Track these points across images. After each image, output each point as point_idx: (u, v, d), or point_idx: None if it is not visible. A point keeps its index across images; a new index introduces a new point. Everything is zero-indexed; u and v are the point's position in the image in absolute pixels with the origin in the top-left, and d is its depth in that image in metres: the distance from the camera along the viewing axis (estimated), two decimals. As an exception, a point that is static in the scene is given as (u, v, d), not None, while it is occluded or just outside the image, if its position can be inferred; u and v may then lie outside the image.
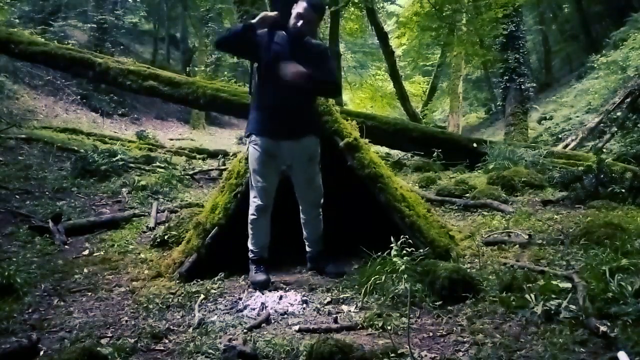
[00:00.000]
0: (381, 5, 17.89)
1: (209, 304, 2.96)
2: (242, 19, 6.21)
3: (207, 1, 18.01)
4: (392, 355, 2.07)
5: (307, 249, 3.56)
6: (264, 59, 3.22)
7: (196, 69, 18.92)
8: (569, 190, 5.04)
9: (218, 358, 2.18)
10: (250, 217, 3.33)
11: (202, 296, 3.05)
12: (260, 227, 3.33)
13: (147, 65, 9.02)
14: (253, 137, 3.29)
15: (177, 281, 3.33)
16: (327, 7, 12.77)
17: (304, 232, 3.52)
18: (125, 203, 5.42)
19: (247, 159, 3.40)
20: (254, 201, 3.30)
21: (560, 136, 13.08)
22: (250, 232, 3.37)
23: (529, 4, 17.53)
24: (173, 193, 5.93)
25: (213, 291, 3.15)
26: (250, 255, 3.37)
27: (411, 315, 2.54)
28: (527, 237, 3.66)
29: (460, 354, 2.15)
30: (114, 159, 6.61)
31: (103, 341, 2.43)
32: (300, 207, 3.45)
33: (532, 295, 2.51)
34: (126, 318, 2.76)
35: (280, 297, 2.97)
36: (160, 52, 21.81)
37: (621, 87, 11.29)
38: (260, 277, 3.25)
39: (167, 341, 2.43)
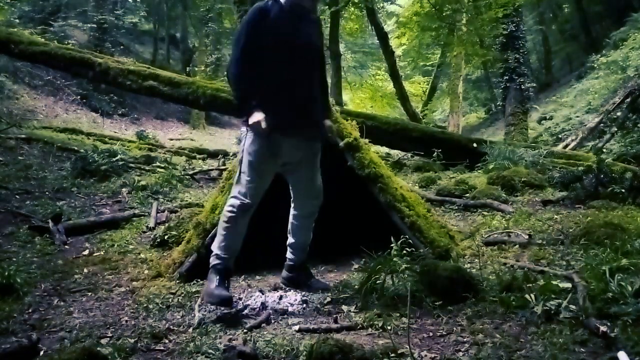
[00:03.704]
0: (381, 5, 17.89)
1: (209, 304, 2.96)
2: (242, 19, 6.22)
3: (207, 1, 18.00)
4: (392, 355, 2.06)
5: (290, 256, 3.19)
6: (274, 44, 2.88)
7: (196, 69, 18.90)
8: (569, 190, 5.04)
9: (218, 358, 2.18)
10: (228, 215, 2.89)
11: (202, 296, 3.04)
12: (237, 228, 2.90)
13: (147, 65, 9.03)
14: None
15: (177, 281, 3.33)
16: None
17: (292, 238, 3.16)
18: (125, 203, 5.41)
19: (242, 151, 2.99)
20: (239, 198, 2.89)
21: (560, 136, 13.09)
22: (222, 233, 2.90)
23: (529, 4, 17.54)
24: (173, 193, 5.93)
25: (213, 291, 3.14)
26: (215, 261, 2.87)
27: (411, 315, 2.54)
28: (527, 237, 3.66)
29: (460, 354, 2.15)
30: (114, 159, 6.61)
31: (103, 341, 2.42)
32: (295, 211, 3.13)
33: (532, 295, 2.51)
34: (126, 318, 2.76)
35: (280, 297, 2.97)
36: (160, 52, 21.80)
37: (621, 87, 11.30)
38: (224, 292, 2.77)
39: (167, 341, 2.43)
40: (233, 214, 2.88)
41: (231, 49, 3.00)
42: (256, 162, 2.90)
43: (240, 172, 2.93)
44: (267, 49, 2.85)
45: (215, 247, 2.92)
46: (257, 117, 2.79)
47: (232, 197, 2.94)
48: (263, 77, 2.87)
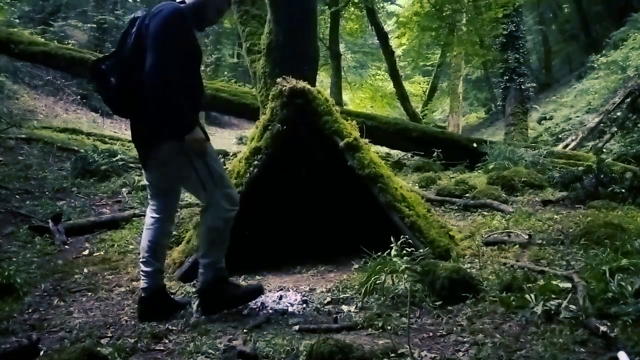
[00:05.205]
0: (381, 5, 17.89)
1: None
2: (242, 18, 6.22)
3: (207, 1, 17.96)
4: (392, 355, 2.07)
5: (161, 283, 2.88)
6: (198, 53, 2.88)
7: (196, 68, 18.86)
8: (569, 190, 5.04)
9: (218, 358, 2.18)
10: (226, 224, 2.77)
11: (202, 296, 3.04)
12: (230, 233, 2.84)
13: (147, 65, 8.99)
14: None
15: (177, 281, 3.33)
16: None
17: (160, 262, 2.90)
18: (125, 203, 5.41)
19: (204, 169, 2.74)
20: (233, 206, 2.78)
21: (560, 136, 13.09)
22: (221, 245, 2.79)
23: (529, 4, 17.54)
24: (173, 193, 5.92)
25: (213, 291, 3.14)
26: (216, 273, 2.76)
27: (411, 315, 2.54)
28: (527, 237, 3.66)
29: (460, 354, 2.15)
30: (114, 159, 6.60)
31: (103, 341, 2.43)
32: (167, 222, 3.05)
33: (532, 295, 2.51)
34: (126, 318, 2.76)
35: (280, 297, 2.97)
36: (160, 52, 21.76)
37: (621, 87, 11.30)
38: (243, 286, 2.93)
39: (167, 341, 2.43)
40: (229, 223, 2.77)
41: (154, 52, 2.57)
42: (220, 168, 2.83)
43: (215, 186, 2.73)
44: (191, 55, 2.76)
45: (215, 261, 2.76)
46: (200, 132, 2.69)
47: (227, 205, 2.74)
48: (191, 87, 2.77)
